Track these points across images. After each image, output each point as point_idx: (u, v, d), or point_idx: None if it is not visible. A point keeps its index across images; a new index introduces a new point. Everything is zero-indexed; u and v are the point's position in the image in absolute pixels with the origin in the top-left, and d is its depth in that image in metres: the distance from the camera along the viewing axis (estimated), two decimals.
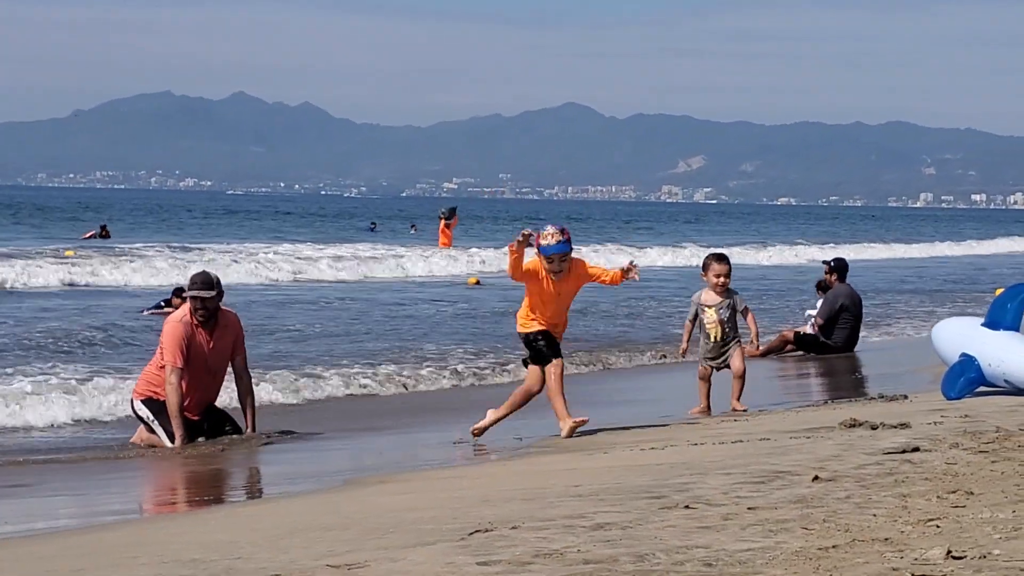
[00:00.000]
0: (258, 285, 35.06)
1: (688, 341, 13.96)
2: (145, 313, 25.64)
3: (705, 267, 13.92)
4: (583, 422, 11.89)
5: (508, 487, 8.89)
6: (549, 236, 11.83)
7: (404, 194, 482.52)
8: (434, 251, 48.70)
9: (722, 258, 13.98)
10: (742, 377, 13.66)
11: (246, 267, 38.76)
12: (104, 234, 59.83)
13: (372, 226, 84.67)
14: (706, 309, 13.72)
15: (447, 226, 51.99)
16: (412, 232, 78.64)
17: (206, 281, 12.86)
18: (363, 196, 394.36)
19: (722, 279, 13.67)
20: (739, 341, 13.76)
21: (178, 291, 26.33)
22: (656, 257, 53.33)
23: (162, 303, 26.18)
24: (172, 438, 12.64)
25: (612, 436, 11.93)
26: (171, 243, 50.98)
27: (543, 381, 11.96)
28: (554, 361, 11.92)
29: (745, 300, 14.03)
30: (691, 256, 51.99)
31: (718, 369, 13.77)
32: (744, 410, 13.42)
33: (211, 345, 12.84)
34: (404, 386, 16.96)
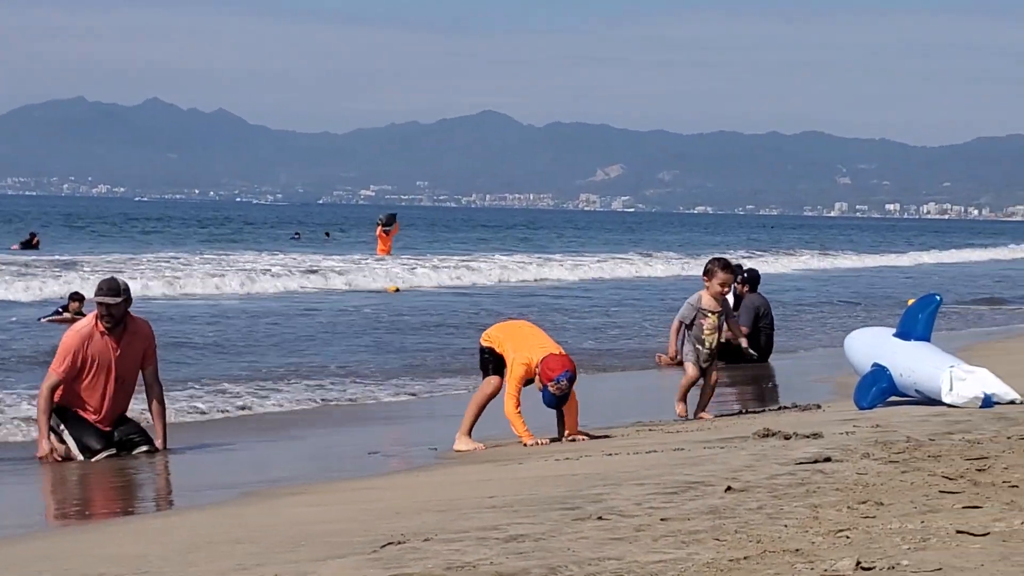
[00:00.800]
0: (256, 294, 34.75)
1: (677, 345, 13.76)
2: (43, 321, 25.41)
3: (709, 273, 13.72)
4: (469, 451, 11.92)
5: (421, 499, 8.85)
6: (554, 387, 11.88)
7: (321, 201, 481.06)
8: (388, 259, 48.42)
9: (728, 266, 13.88)
10: (714, 388, 13.87)
11: (233, 278, 38.23)
12: (34, 243, 58.24)
13: (296, 235, 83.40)
14: (708, 315, 13.59)
15: (385, 233, 51.75)
16: (325, 239, 78.15)
17: (112, 287, 12.71)
18: (278, 203, 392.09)
19: (726, 288, 13.72)
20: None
21: (74, 296, 26.17)
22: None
23: (59, 309, 26.01)
24: (84, 450, 12.48)
25: (526, 447, 11.91)
26: (109, 253, 50.36)
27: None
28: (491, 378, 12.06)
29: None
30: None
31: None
32: (712, 419, 13.46)
33: (118, 352, 12.68)
34: (320, 399, 16.82)
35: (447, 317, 28.43)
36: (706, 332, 13.61)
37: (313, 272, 42.01)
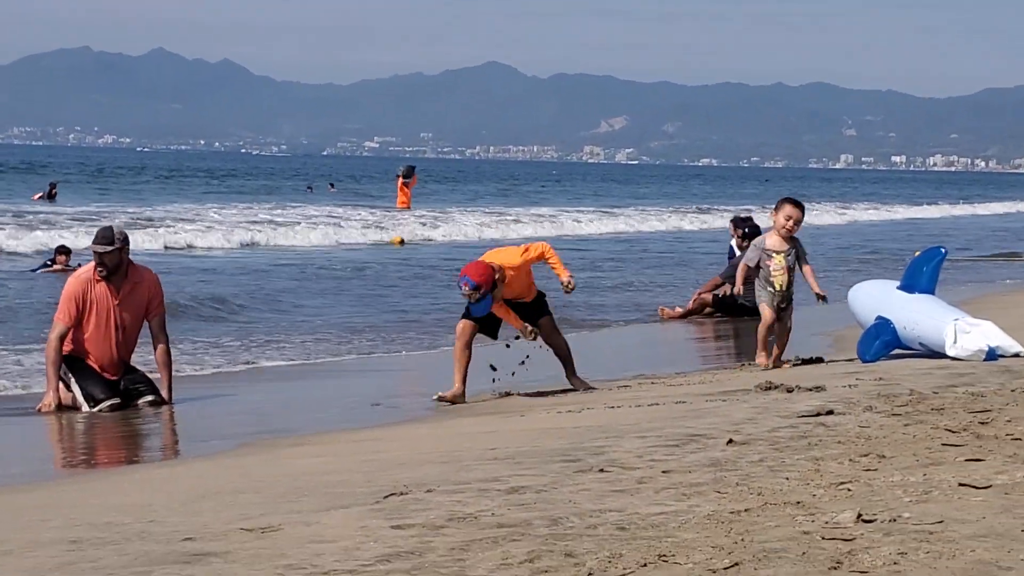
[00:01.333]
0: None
1: (743, 283, 13.31)
2: (39, 272, 25.55)
3: (777, 208, 13.22)
4: (448, 397, 12.12)
5: (424, 450, 8.88)
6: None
7: (325, 153, 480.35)
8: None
9: (797, 203, 13.26)
10: (788, 333, 13.26)
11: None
12: (52, 194, 57.89)
13: (309, 188, 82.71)
14: (773, 255, 13.04)
15: (405, 185, 51.68)
16: (331, 191, 77.92)
17: (105, 236, 12.72)
18: (282, 155, 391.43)
19: (791, 223, 13.02)
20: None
21: (60, 249, 26.38)
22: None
23: (48, 262, 26.19)
24: (89, 399, 12.51)
25: (530, 399, 11.94)
26: (128, 207, 50.20)
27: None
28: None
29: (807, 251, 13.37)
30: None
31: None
32: (790, 366, 13.13)
33: (117, 301, 12.69)
34: (324, 353, 16.86)
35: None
36: (774, 273, 13.07)
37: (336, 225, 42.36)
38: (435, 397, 12.20)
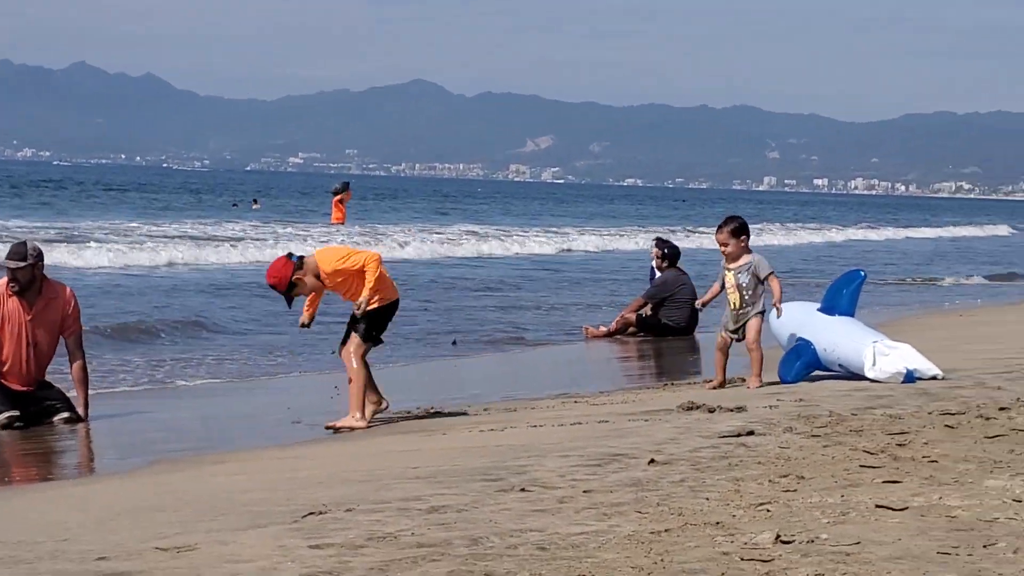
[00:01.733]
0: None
1: (709, 298, 13.14)
2: None
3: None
4: (337, 428, 11.86)
5: (344, 468, 8.83)
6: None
7: (248, 168, 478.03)
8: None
9: (722, 224, 13.02)
10: (751, 351, 12.87)
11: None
12: None
13: (251, 203, 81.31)
14: (727, 272, 12.92)
15: (340, 201, 51.41)
16: (255, 208, 77.39)
17: (18, 252, 12.63)
18: (204, 169, 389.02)
19: (723, 247, 12.89)
20: (761, 313, 12.92)
21: None
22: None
23: None
24: None
25: (452, 418, 11.91)
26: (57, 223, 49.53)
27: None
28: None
29: (771, 266, 12.97)
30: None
31: (737, 340, 13.01)
32: (759, 386, 12.69)
33: (29, 316, 12.58)
34: (243, 370, 16.75)
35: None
36: (727, 290, 12.93)
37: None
38: (332, 426, 11.92)
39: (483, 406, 12.68)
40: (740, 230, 12.88)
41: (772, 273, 12.90)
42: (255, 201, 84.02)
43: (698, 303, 13.49)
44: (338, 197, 51.40)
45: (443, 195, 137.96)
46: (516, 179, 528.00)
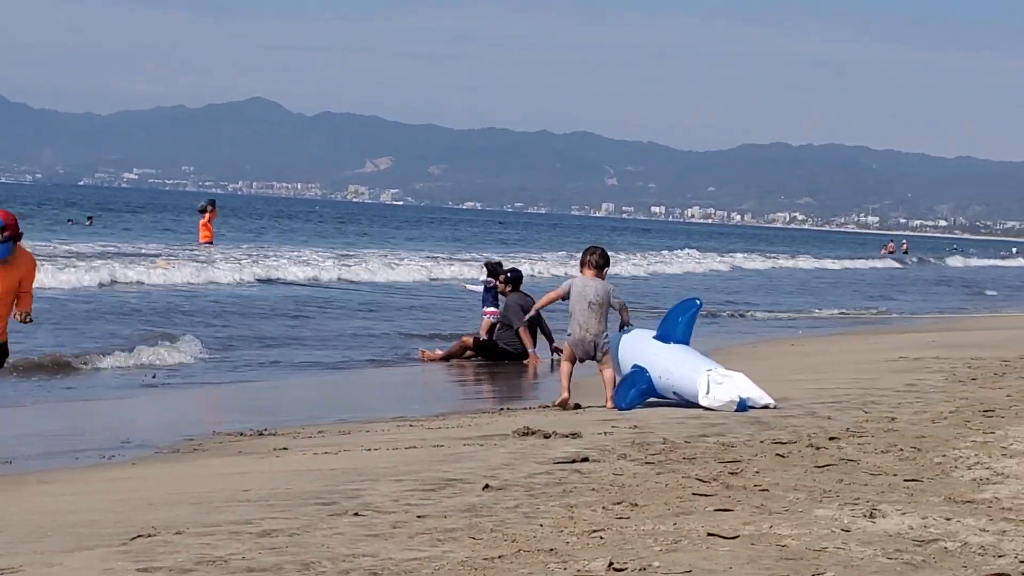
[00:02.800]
0: None
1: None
2: None
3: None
4: None
5: (174, 490, 8.69)
6: None
7: (82, 183, 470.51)
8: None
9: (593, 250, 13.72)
10: (602, 373, 13.50)
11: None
12: None
13: (84, 220, 79.55)
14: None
15: (208, 220, 50.56)
16: (87, 225, 76.03)
17: None
18: (37, 183, 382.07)
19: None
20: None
21: None
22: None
23: None
24: None
25: (286, 439, 11.79)
26: None
27: None
28: None
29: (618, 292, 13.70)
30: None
31: (581, 360, 13.53)
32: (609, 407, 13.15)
33: None
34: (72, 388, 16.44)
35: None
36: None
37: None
38: None
39: (317, 428, 12.58)
40: (605, 261, 13.64)
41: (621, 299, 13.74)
42: (89, 218, 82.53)
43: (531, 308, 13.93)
44: (205, 217, 50.64)
45: (288, 215, 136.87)
46: (355, 200, 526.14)
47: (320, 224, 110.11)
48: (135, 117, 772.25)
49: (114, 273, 34.05)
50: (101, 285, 31.93)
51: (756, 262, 73.04)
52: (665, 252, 76.72)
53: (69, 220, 79.05)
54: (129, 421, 13.81)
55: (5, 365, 12.75)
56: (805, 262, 77.24)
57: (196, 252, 45.81)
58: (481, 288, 22.64)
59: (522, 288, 21.97)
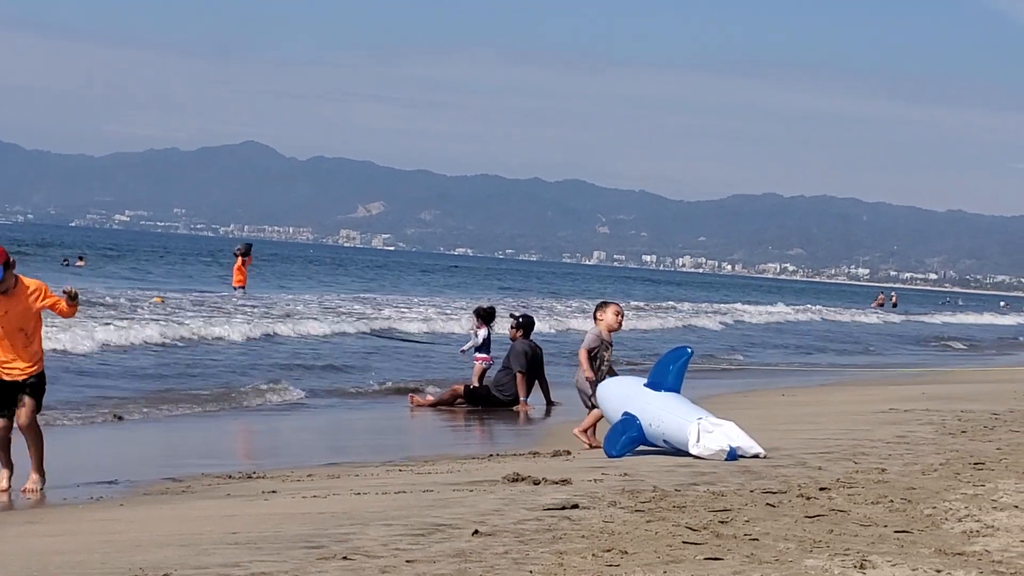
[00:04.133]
0: None
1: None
2: None
3: (602, 308, 14.89)
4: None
5: (163, 532, 8.66)
6: None
7: (73, 223, 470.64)
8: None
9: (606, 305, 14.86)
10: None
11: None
12: None
13: (75, 260, 79.23)
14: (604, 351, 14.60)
15: (243, 264, 50.56)
16: (79, 265, 75.91)
17: None
18: (30, 224, 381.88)
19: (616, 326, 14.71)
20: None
21: None
22: None
23: None
24: None
25: (274, 483, 11.76)
26: None
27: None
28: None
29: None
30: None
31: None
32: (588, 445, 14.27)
33: None
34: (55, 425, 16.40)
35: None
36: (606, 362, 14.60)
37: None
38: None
39: (307, 471, 12.55)
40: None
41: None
42: (80, 258, 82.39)
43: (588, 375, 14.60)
44: (239, 260, 50.63)
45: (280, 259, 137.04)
46: (347, 244, 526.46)
47: (353, 270, 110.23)
48: (128, 159, 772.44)
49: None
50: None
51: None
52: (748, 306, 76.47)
53: (64, 261, 78.82)
54: (115, 460, 13.75)
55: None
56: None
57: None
58: (473, 341, 22.72)
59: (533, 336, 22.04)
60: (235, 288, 49.91)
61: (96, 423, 16.83)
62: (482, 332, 22.42)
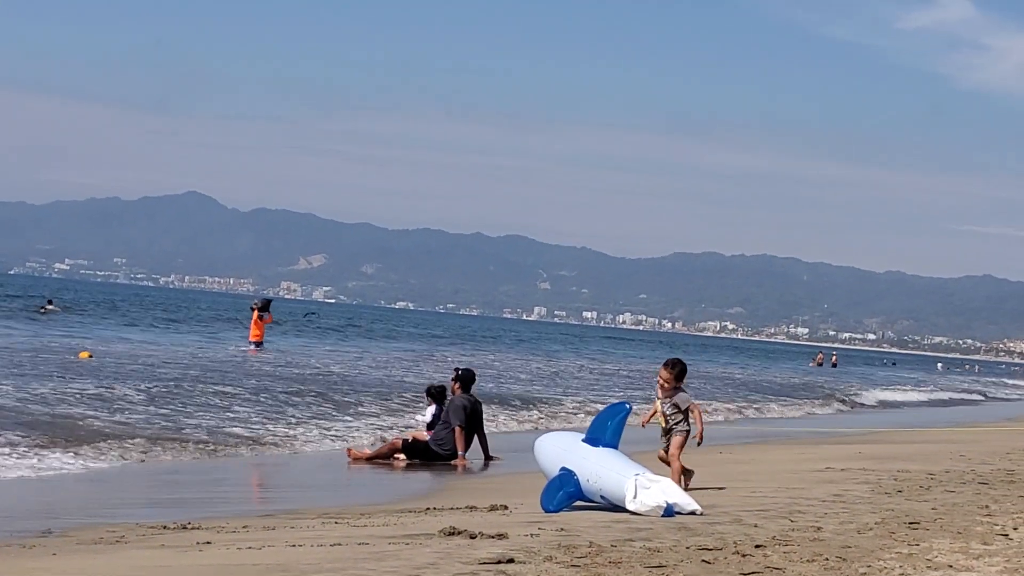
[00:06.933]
0: None
1: (647, 419, 15.37)
2: None
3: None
4: None
5: None
6: None
7: (12, 272, 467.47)
8: None
9: (668, 364, 15.09)
10: (669, 463, 14.89)
11: None
12: None
13: (43, 309, 78.31)
14: (657, 401, 15.11)
15: (260, 319, 50.26)
16: (49, 309, 75.17)
17: None
18: None
19: (660, 379, 15.01)
20: (685, 432, 14.91)
21: None
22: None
23: None
24: None
25: (209, 533, 11.67)
26: None
27: None
28: None
29: (691, 399, 15.13)
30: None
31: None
32: (684, 487, 14.20)
33: None
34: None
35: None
36: (658, 415, 15.09)
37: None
38: None
39: (242, 522, 12.47)
40: (682, 373, 15.00)
41: (691, 404, 15.07)
42: (49, 302, 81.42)
43: (642, 422, 15.45)
44: (257, 314, 50.34)
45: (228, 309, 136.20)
46: (288, 296, 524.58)
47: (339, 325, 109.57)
48: (68, 207, 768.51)
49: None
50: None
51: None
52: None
53: (41, 309, 77.61)
54: (48, 508, 13.60)
55: None
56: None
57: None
58: (423, 418, 22.97)
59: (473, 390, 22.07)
60: (251, 343, 49.74)
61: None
62: (431, 410, 22.46)
